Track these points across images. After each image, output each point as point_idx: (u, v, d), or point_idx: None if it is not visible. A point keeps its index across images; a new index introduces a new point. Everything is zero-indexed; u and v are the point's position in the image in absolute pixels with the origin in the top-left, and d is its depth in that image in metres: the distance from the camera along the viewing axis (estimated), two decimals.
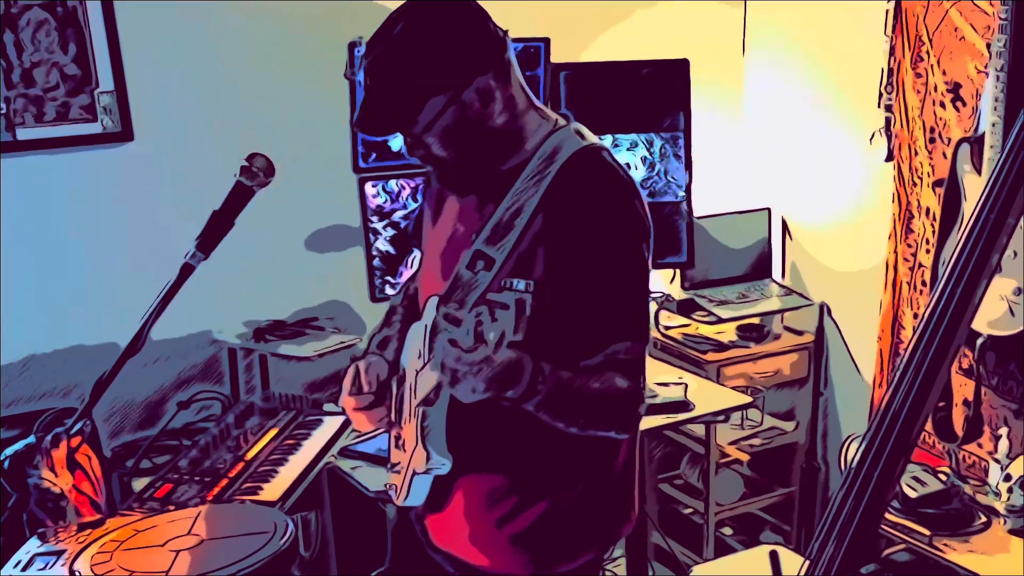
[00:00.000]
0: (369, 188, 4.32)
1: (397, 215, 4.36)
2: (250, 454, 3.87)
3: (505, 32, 2.46)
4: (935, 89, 4.44)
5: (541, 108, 2.55)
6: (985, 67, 4.08)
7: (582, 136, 2.50)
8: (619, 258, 2.42)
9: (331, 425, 4.13)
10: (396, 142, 4.25)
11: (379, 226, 4.28)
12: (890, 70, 4.66)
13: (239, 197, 2.91)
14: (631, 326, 2.43)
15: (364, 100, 2.44)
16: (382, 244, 4.30)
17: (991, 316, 3.86)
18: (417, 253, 2.87)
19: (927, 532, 3.88)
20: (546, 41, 4.76)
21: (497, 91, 2.42)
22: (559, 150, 2.45)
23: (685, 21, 5.50)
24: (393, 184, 4.34)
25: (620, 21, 5.36)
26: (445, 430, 2.48)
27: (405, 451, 2.58)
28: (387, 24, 2.40)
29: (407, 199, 4.38)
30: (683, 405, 4.29)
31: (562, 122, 2.54)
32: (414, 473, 2.52)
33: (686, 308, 5.35)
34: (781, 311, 5.42)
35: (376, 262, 4.34)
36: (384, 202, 4.33)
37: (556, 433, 2.40)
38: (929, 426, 4.13)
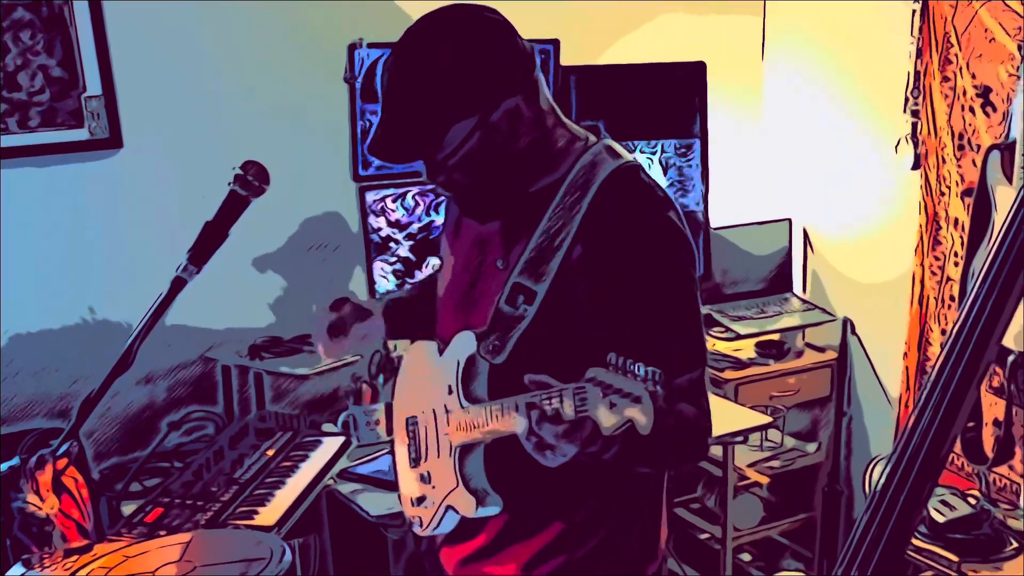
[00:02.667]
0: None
1: (413, 227, 4.53)
2: (245, 477, 3.87)
3: (532, 47, 2.40)
4: (964, 93, 4.45)
5: (570, 125, 2.50)
6: (1017, 70, 4.08)
7: (615, 153, 2.45)
8: (670, 283, 2.37)
9: (330, 446, 4.13)
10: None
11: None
12: (916, 73, 4.67)
13: (233, 207, 2.91)
14: (691, 352, 2.38)
15: (381, 124, 2.38)
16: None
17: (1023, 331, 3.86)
18: (435, 261, 2.86)
19: (956, 558, 3.87)
20: (555, 43, 4.77)
21: (526, 113, 2.36)
22: (593, 171, 2.39)
23: (703, 24, 5.51)
24: (410, 200, 4.50)
25: (639, 26, 5.37)
26: (484, 469, 2.46)
27: (433, 485, 2.55)
28: (407, 40, 2.35)
29: (422, 213, 4.55)
30: None
31: (592, 138, 2.49)
32: (448, 508, 2.51)
33: None
34: (802, 327, 5.42)
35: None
36: (402, 216, 4.53)
37: (595, 474, 2.36)
38: (958, 447, 4.13)
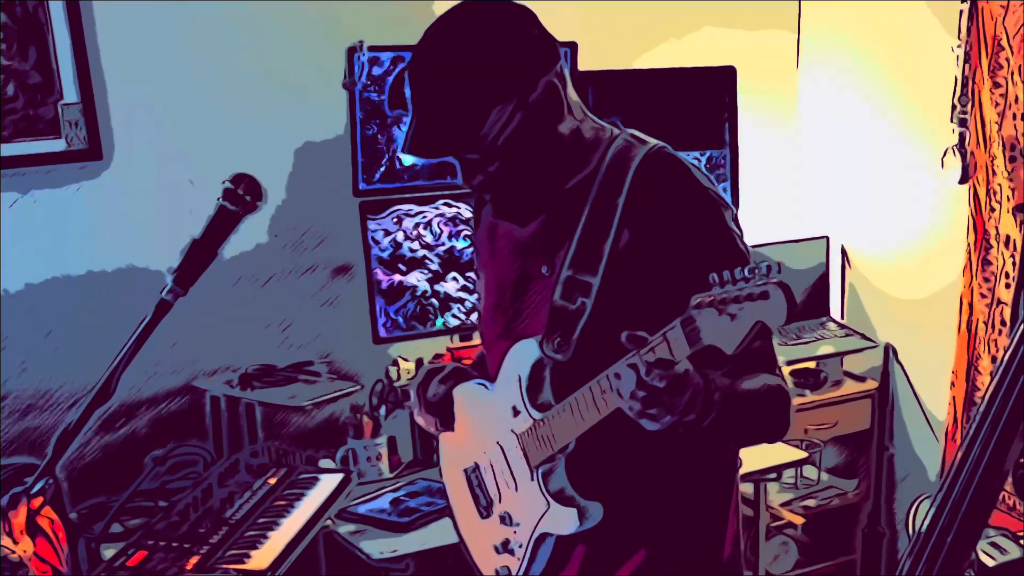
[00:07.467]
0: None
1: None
2: (236, 517, 3.87)
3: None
4: (1016, 101, 4.44)
5: (593, 117, 2.62)
6: None
7: (641, 140, 2.60)
8: (721, 243, 2.50)
9: (327, 484, 4.12)
10: (406, 157, 4.51)
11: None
12: (964, 79, 4.66)
13: (223, 224, 2.90)
14: None
15: (415, 122, 2.48)
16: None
17: None
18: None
19: None
20: (572, 46, 4.77)
21: (562, 93, 2.48)
22: (626, 158, 2.54)
23: (735, 30, 5.50)
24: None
25: (667, 39, 5.38)
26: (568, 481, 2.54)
27: (517, 522, 2.64)
28: (434, 33, 2.48)
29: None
30: None
31: (615, 130, 2.62)
32: (540, 540, 2.58)
33: None
34: (841, 354, 5.41)
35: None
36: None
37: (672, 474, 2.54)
38: (1009, 485, 4.12)
